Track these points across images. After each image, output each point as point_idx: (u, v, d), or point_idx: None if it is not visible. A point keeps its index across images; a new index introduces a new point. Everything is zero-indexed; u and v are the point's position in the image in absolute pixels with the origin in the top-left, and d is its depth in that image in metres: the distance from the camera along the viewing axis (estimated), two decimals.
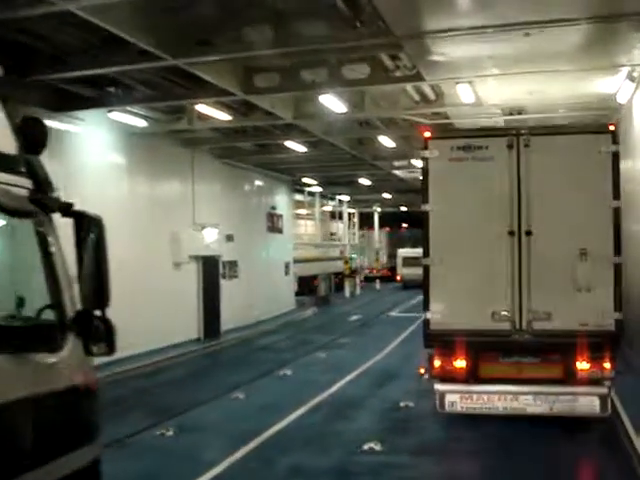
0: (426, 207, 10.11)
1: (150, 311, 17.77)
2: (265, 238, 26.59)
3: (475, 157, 9.93)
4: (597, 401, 9.75)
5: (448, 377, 10.16)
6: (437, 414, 10.49)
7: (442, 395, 10.17)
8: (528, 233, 9.85)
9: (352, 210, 45.35)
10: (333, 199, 39.23)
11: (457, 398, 10.13)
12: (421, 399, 12.50)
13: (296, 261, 30.53)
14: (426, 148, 10.10)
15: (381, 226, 53.32)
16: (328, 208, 41.09)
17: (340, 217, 41.52)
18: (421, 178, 10.39)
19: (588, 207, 9.79)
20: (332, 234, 43.43)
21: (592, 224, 9.79)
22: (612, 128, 9.93)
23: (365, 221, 49.75)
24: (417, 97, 14.70)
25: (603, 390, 9.77)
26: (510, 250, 9.92)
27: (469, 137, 10.42)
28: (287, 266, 29.31)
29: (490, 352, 10.23)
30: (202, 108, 15.29)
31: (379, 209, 49.00)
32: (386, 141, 19.36)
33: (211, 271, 21.42)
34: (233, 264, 23.03)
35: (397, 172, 27.26)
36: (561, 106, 15.04)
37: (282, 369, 16.05)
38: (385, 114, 16.05)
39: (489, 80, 12.94)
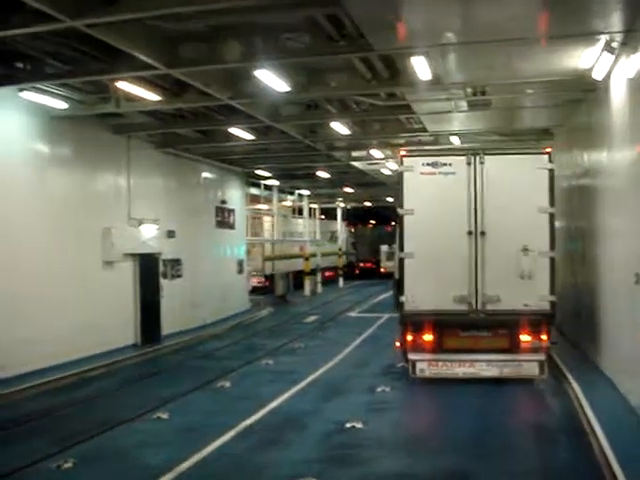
0: (402, 211, 12.95)
1: (76, 316, 16.03)
2: (214, 234, 24.74)
3: (441, 172, 12.78)
4: (537, 366, 12.58)
5: (419, 349, 13.01)
6: (387, 438, 10.06)
7: (414, 363, 13.02)
8: (482, 233, 12.70)
9: (314, 205, 43.68)
10: (293, 194, 37.39)
11: (425, 365, 12.97)
12: (371, 418, 10.96)
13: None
14: (402, 163, 13.08)
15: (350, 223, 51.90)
16: (288, 203, 39.29)
17: (300, 212, 39.73)
18: (397, 187, 13.21)
19: (529, 212, 12.52)
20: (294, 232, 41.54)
21: (532, 226, 12.57)
22: (548, 150, 12.97)
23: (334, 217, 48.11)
24: (369, 75, 13.03)
25: (541, 357, 12.60)
26: (468, 247, 12.76)
27: (437, 155, 13.34)
28: (240, 264, 27.51)
29: (452, 328, 13.06)
30: (129, 87, 13.44)
31: (342, 204, 47.11)
32: (339, 128, 17.66)
33: (150, 270, 19.58)
34: (176, 262, 21.19)
35: (356, 164, 25.60)
36: (528, 86, 13.47)
37: (221, 380, 14.33)
38: (333, 94, 14.33)
39: (446, 54, 11.34)
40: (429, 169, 12.79)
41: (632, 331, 10.50)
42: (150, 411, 11.71)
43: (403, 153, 13.31)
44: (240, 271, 27.44)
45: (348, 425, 10.44)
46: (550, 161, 12.64)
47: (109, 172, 18.22)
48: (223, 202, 25.34)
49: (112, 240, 17.51)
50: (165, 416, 11.42)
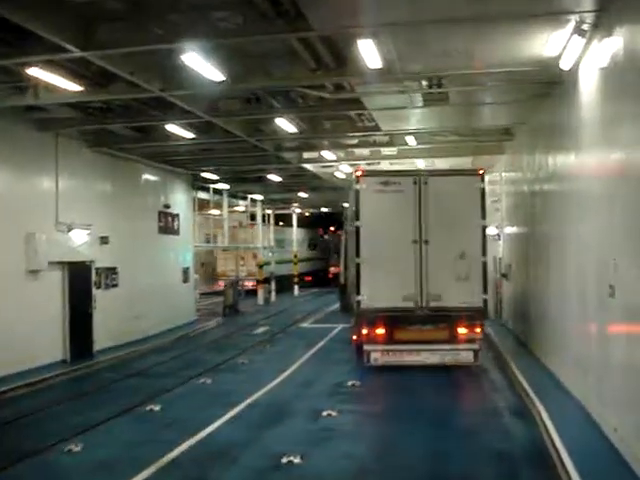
0: (358, 223, 14.95)
1: None
2: (156, 241, 23.17)
3: (391, 190, 14.82)
4: (472, 354, 14.86)
5: (373, 341, 14.93)
6: (328, 476, 8.87)
7: (368, 353, 15.00)
8: (426, 242, 14.77)
9: (269, 211, 42.29)
10: (245, 198, 35.85)
11: (379, 355, 14.99)
12: (312, 450, 9.66)
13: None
14: (358, 182, 14.98)
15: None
16: (241, 208, 37.78)
17: (253, 218, 38.21)
18: (355, 203, 15.15)
19: (465, 224, 14.71)
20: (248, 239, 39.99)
21: (468, 235, 14.72)
22: (481, 172, 15.23)
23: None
24: (313, 64, 11.72)
25: (476, 346, 14.88)
26: (414, 253, 14.79)
27: (388, 176, 15.35)
28: (186, 272, 25.97)
29: (401, 323, 14.96)
30: (44, 75, 11.89)
31: (298, 210, 45.62)
32: (286, 125, 16.29)
33: (81, 280, 17.97)
34: (111, 271, 19.60)
35: (308, 166, 24.28)
36: (488, 77, 12.27)
37: (151, 402, 12.87)
38: (275, 86, 12.95)
39: (397, 37, 10.10)
40: (381, 187, 14.89)
41: (598, 340, 9.43)
42: (63, 441, 10.28)
43: (359, 174, 15.19)
44: (186, 280, 25.89)
45: (284, 460, 9.12)
46: (482, 181, 15.02)
47: (33, 172, 16.57)
48: (166, 206, 23.80)
49: (36, 247, 15.89)
50: (78, 448, 9.97)
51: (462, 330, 14.80)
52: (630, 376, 8.15)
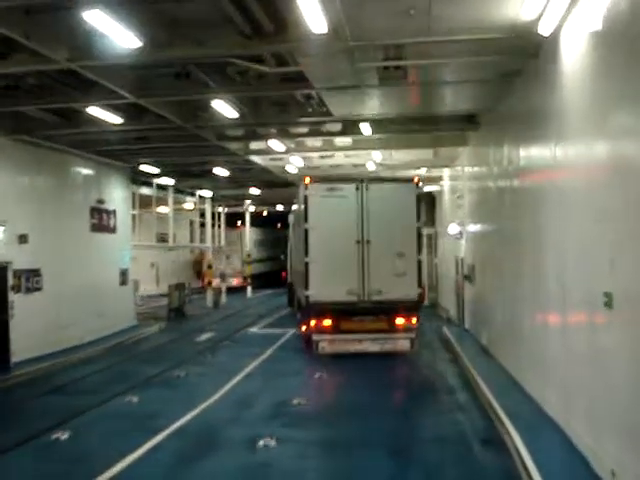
0: (307, 225, 16.38)
1: None
2: (88, 240, 21.01)
3: (336, 195, 16.34)
4: (408, 342, 16.53)
5: (320, 331, 16.39)
6: None
7: (317, 342, 16.45)
8: (368, 242, 16.30)
9: (220, 209, 40.30)
10: (193, 195, 33.78)
11: (326, 344, 16.47)
12: None
13: None
14: (307, 189, 16.43)
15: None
16: (190, 205, 35.69)
17: (202, 216, 36.16)
18: (304, 207, 16.47)
19: (403, 226, 16.34)
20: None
21: (405, 236, 16.36)
22: (416, 180, 16.96)
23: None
24: (248, 29, 9.88)
25: (412, 335, 16.55)
26: (357, 252, 16.33)
27: (333, 182, 16.74)
28: (124, 273, 23.88)
29: (345, 314, 16.35)
30: None
31: (252, 207, 43.48)
32: (224, 108, 14.37)
33: None
34: (33, 273, 17.48)
35: (256, 159, 22.42)
36: (452, 48, 10.51)
37: (60, 429, 10.89)
38: (203, 55, 10.97)
39: None
40: (327, 193, 16.38)
41: (589, 355, 7.72)
42: None
43: (307, 181, 16.54)
44: (124, 282, 23.80)
45: None
46: (417, 188, 16.91)
47: None
48: (100, 202, 21.72)
49: None
50: None
51: (399, 321, 16.44)
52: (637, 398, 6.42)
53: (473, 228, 19.79)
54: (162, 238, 33.62)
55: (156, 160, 22.44)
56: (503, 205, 14.32)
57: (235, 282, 43.13)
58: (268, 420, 11.43)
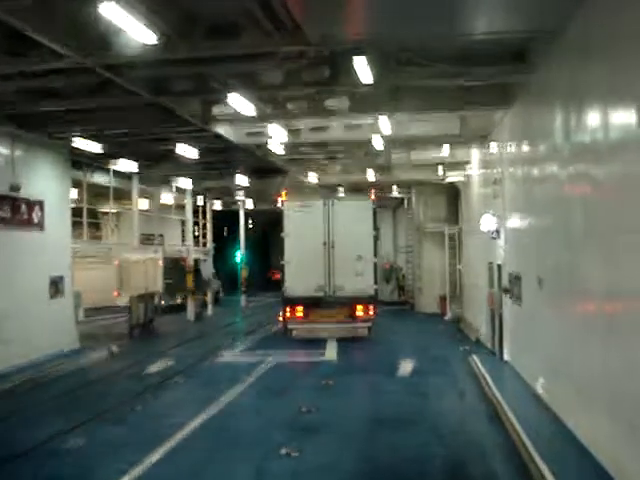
0: (283, 234, 20.55)
1: None
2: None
3: (308, 210, 20.56)
4: (366, 329, 20.51)
5: (294, 320, 20.35)
6: None
7: (291, 330, 20.51)
8: (332, 246, 20.32)
9: (210, 205, 34.84)
10: (169, 184, 28.13)
11: (298, 330, 20.45)
12: None
13: None
14: (283, 205, 20.73)
15: None
16: (169, 200, 30.18)
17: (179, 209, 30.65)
18: (282, 219, 20.80)
19: (362, 234, 20.32)
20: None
21: (363, 242, 20.36)
22: (373, 197, 20.91)
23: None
24: None
25: (369, 324, 20.53)
26: (324, 255, 20.34)
27: (305, 200, 21.14)
28: (56, 282, 18.36)
29: (314, 306, 20.34)
30: None
31: (250, 206, 37.33)
32: (130, 26, 8.83)
33: None
34: None
35: (223, 131, 16.90)
36: None
37: None
38: None
39: None
40: (300, 208, 20.60)
41: None
42: None
43: (284, 199, 20.74)
44: (56, 293, 18.29)
45: None
46: (373, 203, 20.79)
47: None
48: (14, 188, 16.25)
49: None
50: None
51: (359, 312, 20.08)
52: None
53: (519, 224, 14.16)
54: (147, 238, 28.97)
55: (90, 132, 16.83)
56: (584, 193, 8.71)
57: None
58: None
